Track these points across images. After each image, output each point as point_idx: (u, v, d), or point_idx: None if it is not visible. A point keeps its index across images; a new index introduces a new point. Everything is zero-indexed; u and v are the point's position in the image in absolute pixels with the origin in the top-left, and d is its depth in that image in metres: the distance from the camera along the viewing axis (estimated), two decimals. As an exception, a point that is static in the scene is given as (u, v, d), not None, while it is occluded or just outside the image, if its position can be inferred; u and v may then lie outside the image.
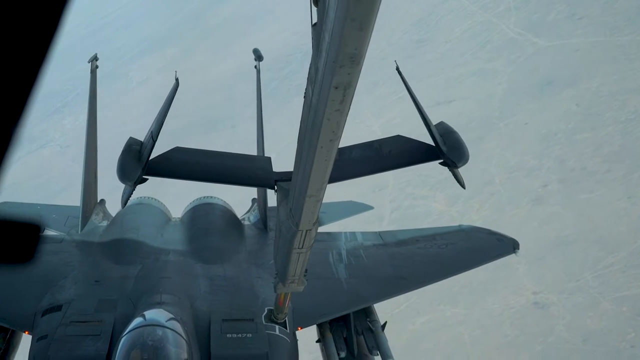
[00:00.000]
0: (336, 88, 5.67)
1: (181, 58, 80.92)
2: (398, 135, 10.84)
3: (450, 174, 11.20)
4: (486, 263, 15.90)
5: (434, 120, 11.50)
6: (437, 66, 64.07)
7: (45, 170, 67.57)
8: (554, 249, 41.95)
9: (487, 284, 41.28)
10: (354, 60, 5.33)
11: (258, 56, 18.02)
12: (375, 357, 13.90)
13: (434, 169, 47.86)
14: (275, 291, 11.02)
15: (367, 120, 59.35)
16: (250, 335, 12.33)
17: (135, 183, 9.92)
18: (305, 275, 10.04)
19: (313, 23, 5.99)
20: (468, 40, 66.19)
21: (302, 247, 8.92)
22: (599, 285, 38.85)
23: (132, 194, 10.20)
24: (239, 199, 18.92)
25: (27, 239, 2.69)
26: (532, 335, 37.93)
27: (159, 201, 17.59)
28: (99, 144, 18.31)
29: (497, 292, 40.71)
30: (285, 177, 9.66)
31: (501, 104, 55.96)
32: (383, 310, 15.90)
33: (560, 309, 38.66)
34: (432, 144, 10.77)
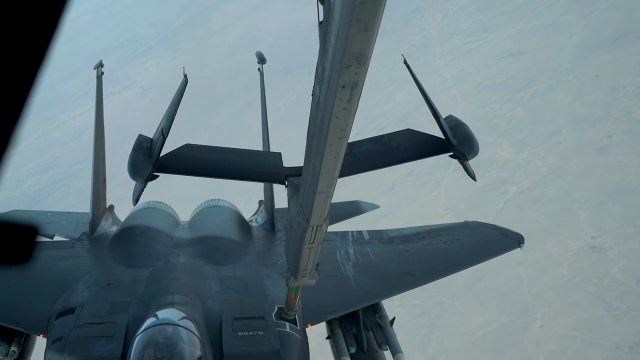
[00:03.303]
0: (343, 87, 5.65)
1: (261, 5, 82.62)
2: (408, 129, 10.63)
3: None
4: (492, 258, 15.82)
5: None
6: (511, 18, 64.60)
7: (127, 111, 69.59)
8: (615, 196, 43.25)
9: (548, 227, 42.86)
10: (360, 60, 5.33)
11: (261, 59, 17.65)
12: (385, 352, 14.02)
13: (503, 117, 49.91)
14: (287, 285, 10.98)
15: (440, 69, 60.87)
16: (262, 332, 12.37)
17: (146, 180, 9.86)
18: (316, 269, 10.03)
19: (319, 21, 5.97)
20: (543, -6, 66.51)
21: (313, 242, 8.90)
22: (656, 231, 40.07)
23: (143, 190, 10.09)
24: (245, 202, 19.53)
25: (23, 240, 2.71)
26: (588, 276, 39.46)
27: (167, 205, 17.61)
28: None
29: (557, 236, 42.28)
30: (296, 172, 9.45)
31: (572, 57, 56.71)
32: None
33: (616, 253, 40.10)
34: (442, 136, 10.53)
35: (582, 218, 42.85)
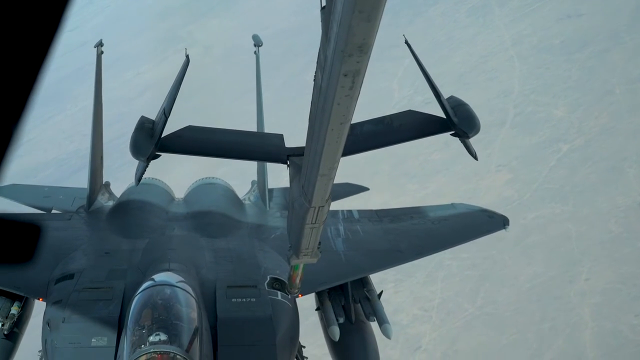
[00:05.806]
0: (345, 75, 5.68)
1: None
2: (409, 110, 10.68)
3: None
4: (477, 238, 16.16)
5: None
6: (570, -20, 64.88)
7: (191, 69, 70.42)
8: (667, 155, 43.96)
9: (598, 185, 44.09)
10: (363, 49, 5.33)
11: (257, 42, 17.99)
12: (372, 322, 14.42)
13: (558, 78, 51.13)
14: (289, 264, 11.04)
15: (499, 30, 61.77)
16: (254, 299, 12.75)
17: (148, 159, 9.85)
18: (319, 248, 10.10)
19: (322, 6, 5.96)
20: (601, -44, 66.29)
21: (314, 223, 8.98)
22: None
23: (145, 169, 10.10)
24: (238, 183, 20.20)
25: (26, 239, 2.71)
26: (635, 232, 40.66)
27: (162, 182, 17.91)
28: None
29: (607, 193, 43.44)
30: (298, 152, 9.39)
31: (629, 19, 56.97)
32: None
33: (664, 210, 40.91)
34: (444, 116, 10.49)
35: (632, 176, 43.83)
